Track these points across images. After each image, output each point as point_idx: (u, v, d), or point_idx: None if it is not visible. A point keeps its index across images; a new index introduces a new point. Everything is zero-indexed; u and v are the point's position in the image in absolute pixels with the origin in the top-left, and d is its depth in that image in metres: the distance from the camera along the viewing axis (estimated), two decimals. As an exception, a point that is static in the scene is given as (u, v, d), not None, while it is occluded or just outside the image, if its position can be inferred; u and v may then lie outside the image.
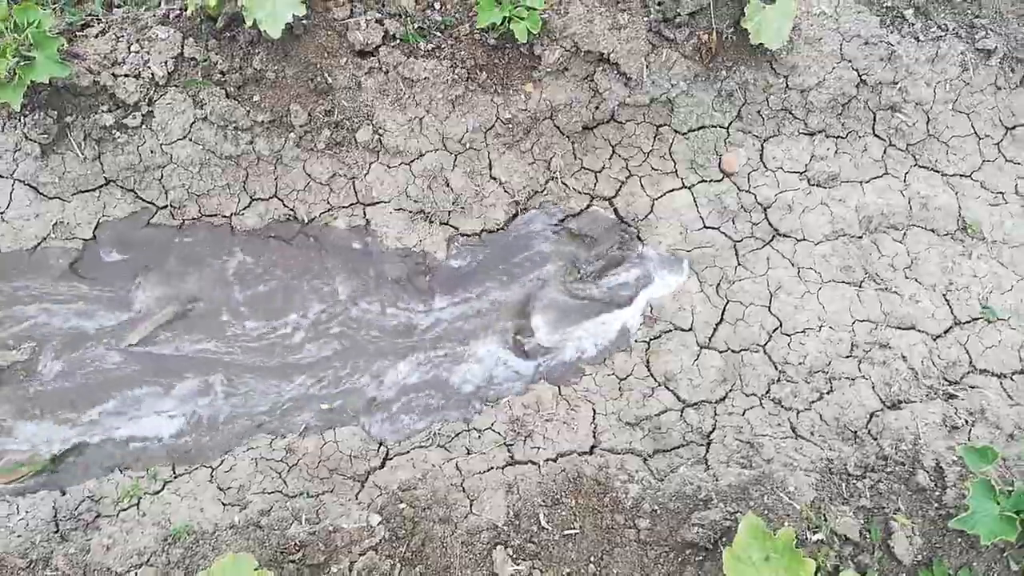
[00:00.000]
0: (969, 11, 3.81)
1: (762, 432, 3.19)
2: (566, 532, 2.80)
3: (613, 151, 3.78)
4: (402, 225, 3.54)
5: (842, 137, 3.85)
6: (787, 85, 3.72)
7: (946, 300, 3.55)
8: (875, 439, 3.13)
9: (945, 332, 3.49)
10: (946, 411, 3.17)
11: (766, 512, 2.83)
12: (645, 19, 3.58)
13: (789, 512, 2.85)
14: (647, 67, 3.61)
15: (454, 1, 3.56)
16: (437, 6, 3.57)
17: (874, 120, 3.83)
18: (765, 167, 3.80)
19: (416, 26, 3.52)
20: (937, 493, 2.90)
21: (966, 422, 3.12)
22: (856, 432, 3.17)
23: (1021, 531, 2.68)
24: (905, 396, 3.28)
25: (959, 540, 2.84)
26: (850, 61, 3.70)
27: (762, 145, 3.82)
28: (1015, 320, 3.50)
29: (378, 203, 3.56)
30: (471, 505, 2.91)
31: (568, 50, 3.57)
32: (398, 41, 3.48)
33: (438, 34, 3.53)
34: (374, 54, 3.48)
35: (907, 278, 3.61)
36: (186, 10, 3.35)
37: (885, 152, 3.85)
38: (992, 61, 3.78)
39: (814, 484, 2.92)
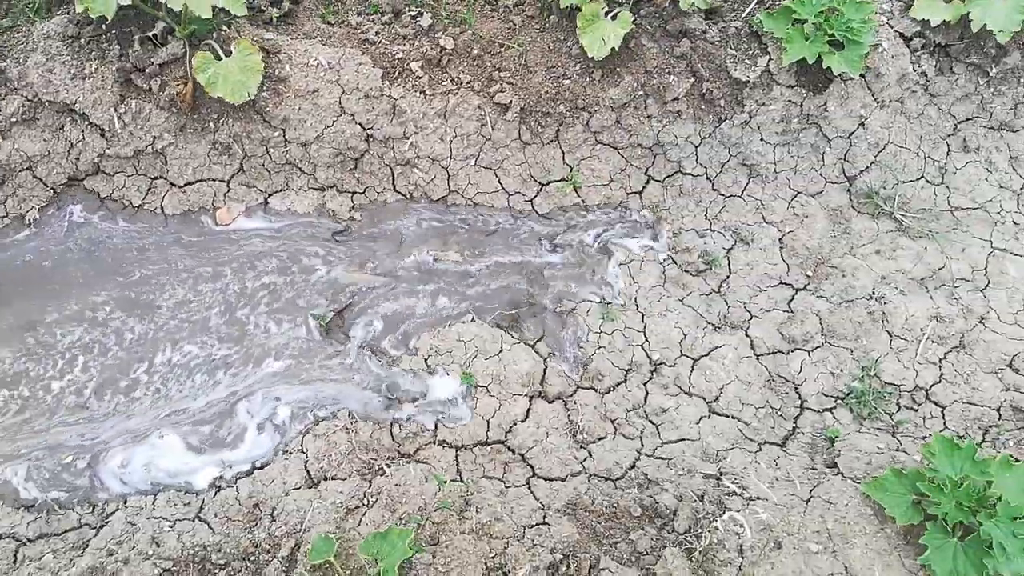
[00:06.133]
0: (490, 64, 3.70)
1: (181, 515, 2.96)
2: None
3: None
4: None
5: (359, 192, 3.70)
6: (286, 139, 3.56)
7: (427, 365, 3.38)
8: (273, 519, 2.91)
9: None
10: (358, 489, 2.97)
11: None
12: (115, 68, 3.40)
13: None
14: (119, 118, 3.42)
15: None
16: None
17: (393, 176, 3.69)
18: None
19: None
20: (283, 584, 2.69)
21: (364, 504, 2.93)
22: (263, 511, 2.96)
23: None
24: (332, 473, 3.07)
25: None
26: (352, 115, 3.55)
27: (266, 199, 3.65)
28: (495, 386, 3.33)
29: None
30: None
31: (30, 100, 3.37)
32: None
33: None
34: None
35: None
36: None
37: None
38: (510, 115, 3.65)
39: (171, 565, 2.70)
